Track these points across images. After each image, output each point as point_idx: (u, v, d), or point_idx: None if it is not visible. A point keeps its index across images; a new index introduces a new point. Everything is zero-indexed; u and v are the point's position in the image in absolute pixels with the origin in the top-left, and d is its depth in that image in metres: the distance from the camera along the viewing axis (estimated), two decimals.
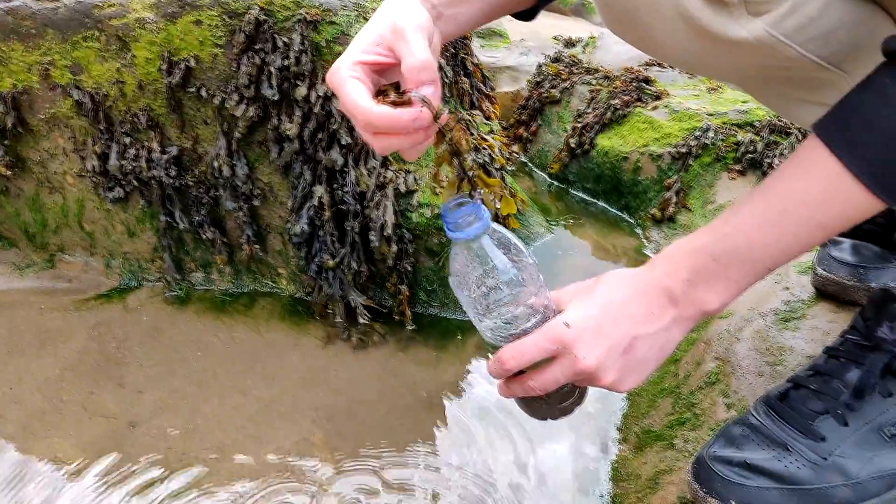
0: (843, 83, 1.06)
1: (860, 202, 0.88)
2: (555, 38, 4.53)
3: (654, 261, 1.03)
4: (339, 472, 1.62)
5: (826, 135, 0.89)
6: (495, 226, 0.97)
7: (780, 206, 0.93)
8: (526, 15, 1.25)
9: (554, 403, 1.09)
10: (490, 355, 1.04)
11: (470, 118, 2.32)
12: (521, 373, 1.03)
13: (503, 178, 2.35)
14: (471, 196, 0.97)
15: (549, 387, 1.01)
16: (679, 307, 0.99)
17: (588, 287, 1.04)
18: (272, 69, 1.99)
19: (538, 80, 3.69)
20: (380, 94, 0.97)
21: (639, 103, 3.11)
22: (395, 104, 0.94)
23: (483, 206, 0.95)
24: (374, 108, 0.93)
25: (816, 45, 1.01)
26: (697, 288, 0.98)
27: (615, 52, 3.73)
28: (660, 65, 3.48)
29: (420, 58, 0.93)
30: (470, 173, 1.04)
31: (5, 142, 2.28)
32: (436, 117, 0.93)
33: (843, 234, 1.59)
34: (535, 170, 3.41)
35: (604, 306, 0.99)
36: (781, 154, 2.49)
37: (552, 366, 0.99)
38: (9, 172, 2.32)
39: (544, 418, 1.13)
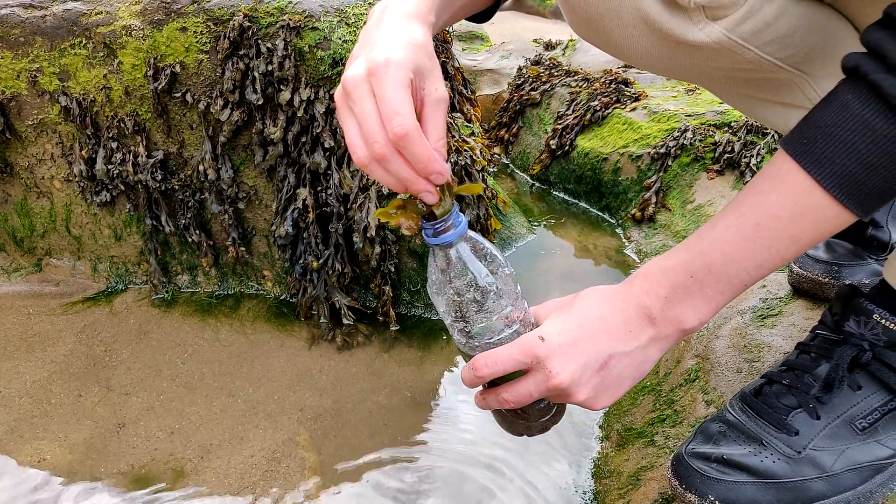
0: (803, 84, 1.09)
1: (831, 214, 0.89)
2: (535, 40, 4.54)
3: (631, 279, 1.02)
4: (324, 472, 1.64)
5: (793, 149, 0.90)
6: (473, 234, 0.97)
7: (754, 220, 0.93)
8: (481, 17, 1.25)
9: (530, 419, 1.08)
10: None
11: (451, 121, 2.34)
12: (496, 385, 1.02)
13: (485, 180, 2.37)
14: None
15: (524, 401, 1.00)
16: (657, 326, 0.99)
17: (566, 303, 1.03)
18: (256, 74, 2.01)
19: (519, 82, 3.72)
20: None
21: (618, 105, 3.13)
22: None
23: (460, 213, 0.94)
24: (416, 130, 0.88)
25: (774, 48, 1.05)
26: (675, 306, 0.97)
27: (594, 55, 3.74)
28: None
29: (439, 142, 0.92)
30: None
31: None
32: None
33: None
34: (517, 171, 3.42)
35: (580, 322, 0.99)
36: (759, 154, 2.52)
37: (525, 379, 0.98)
38: None
39: (520, 434, 1.13)
